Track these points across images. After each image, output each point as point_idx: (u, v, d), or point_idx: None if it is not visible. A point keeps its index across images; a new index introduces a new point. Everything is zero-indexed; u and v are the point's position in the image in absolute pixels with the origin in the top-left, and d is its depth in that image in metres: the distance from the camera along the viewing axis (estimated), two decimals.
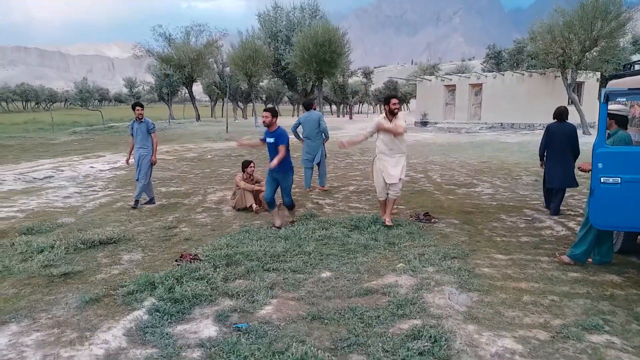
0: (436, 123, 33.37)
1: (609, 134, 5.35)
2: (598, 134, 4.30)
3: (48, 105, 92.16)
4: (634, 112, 5.68)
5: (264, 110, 6.94)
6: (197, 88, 54.75)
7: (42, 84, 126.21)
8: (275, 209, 7.06)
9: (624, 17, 24.32)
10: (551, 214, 7.78)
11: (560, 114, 7.80)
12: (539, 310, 4.12)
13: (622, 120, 5.37)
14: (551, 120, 7.98)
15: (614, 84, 6.08)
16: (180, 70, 42.06)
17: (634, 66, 6.13)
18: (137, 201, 8.56)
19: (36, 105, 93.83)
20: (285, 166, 6.87)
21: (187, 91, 47.31)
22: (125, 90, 79.62)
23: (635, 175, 4.21)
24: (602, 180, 4.26)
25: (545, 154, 7.95)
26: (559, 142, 7.71)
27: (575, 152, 7.69)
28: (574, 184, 7.72)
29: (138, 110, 8.59)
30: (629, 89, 4.67)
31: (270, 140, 6.83)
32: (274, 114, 6.94)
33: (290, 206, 7.23)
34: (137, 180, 8.63)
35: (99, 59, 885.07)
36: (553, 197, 7.90)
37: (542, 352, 3.41)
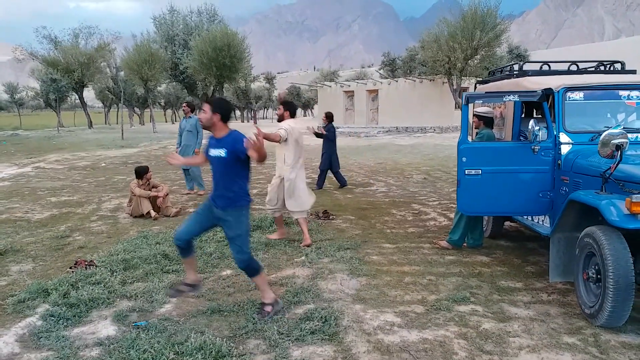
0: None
1: (477, 132, 6.12)
2: (461, 132, 4.93)
3: None
4: (496, 113, 6.50)
5: (206, 102, 4.00)
6: (89, 93, 51.69)
7: None
8: (191, 256, 4.22)
9: (499, 29, 27.04)
10: (341, 186, 10.79)
11: (332, 117, 11.03)
12: (417, 288, 4.64)
13: (489, 121, 6.15)
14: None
15: (480, 89, 6.92)
16: (69, 74, 39.64)
17: (495, 73, 7.01)
18: None
19: None
20: (240, 197, 3.94)
21: (77, 97, 44.60)
22: (5, 96, 72.90)
23: (493, 167, 4.89)
24: (466, 172, 4.89)
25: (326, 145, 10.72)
26: (335, 137, 10.83)
27: None
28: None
29: None
30: (486, 92, 5.39)
31: (217, 152, 3.91)
32: (217, 108, 3.91)
33: (252, 270, 4.03)
34: None
35: None
36: (339, 176, 10.87)
37: (417, 323, 3.89)
